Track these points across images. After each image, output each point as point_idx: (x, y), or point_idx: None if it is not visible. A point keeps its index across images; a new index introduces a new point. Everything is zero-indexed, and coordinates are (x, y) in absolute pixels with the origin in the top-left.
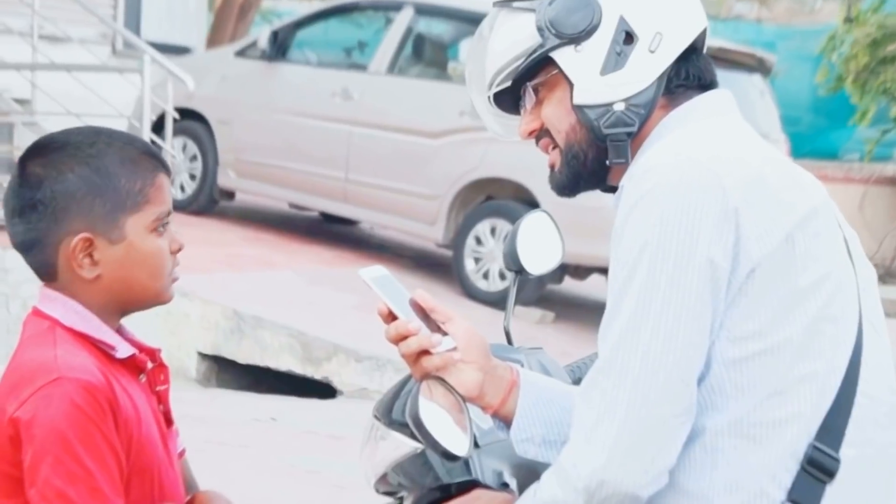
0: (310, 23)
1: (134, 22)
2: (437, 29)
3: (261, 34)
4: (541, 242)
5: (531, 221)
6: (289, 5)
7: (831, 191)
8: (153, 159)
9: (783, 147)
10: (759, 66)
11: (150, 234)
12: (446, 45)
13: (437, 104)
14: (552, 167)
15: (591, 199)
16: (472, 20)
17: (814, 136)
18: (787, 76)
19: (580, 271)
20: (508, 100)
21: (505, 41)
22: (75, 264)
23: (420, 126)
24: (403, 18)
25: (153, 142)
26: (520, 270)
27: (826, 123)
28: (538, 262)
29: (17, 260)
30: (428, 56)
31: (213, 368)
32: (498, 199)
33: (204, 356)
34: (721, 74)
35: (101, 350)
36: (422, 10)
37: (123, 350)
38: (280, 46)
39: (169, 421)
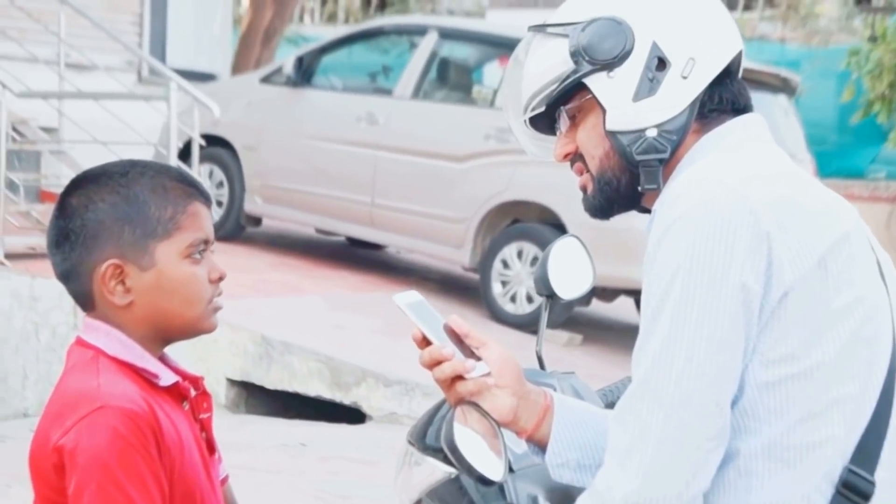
0: (335, 48)
1: (159, 49)
2: (462, 53)
3: (286, 60)
4: (572, 267)
5: (562, 246)
6: (313, 30)
7: (858, 209)
8: (188, 187)
9: (809, 167)
10: (783, 87)
11: (182, 260)
12: (471, 68)
13: (463, 128)
14: (584, 190)
15: (619, 220)
16: (496, 44)
17: (839, 155)
18: (811, 96)
19: (608, 293)
20: (544, 122)
21: (539, 66)
22: (106, 291)
23: (446, 150)
24: (428, 43)
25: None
26: (551, 295)
27: (852, 142)
28: (569, 286)
29: (46, 288)
30: (453, 80)
31: (242, 394)
32: (524, 222)
33: (233, 382)
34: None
35: (145, 378)
36: (446, 35)
37: (167, 378)
38: (305, 72)
39: (211, 448)
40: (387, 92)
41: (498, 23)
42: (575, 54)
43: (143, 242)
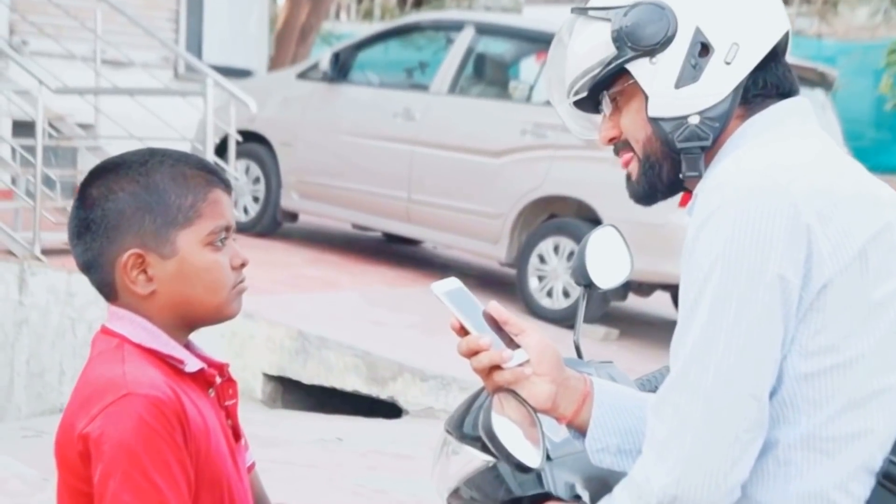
0: (371, 44)
1: (196, 45)
2: (498, 48)
3: (322, 56)
4: (609, 257)
5: (599, 236)
6: (349, 27)
7: None
8: (208, 174)
9: None
10: (820, 81)
11: (203, 248)
12: (507, 64)
13: (499, 123)
14: (629, 177)
15: (655, 215)
16: (532, 39)
17: (877, 151)
18: (848, 91)
19: (644, 288)
20: (588, 103)
21: (581, 50)
22: (129, 280)
23: (482, 145)
24: (464, 38)
25: (216, 164)
26: (589, 284)
27: (889, 137)
28: (607, 276)
29: (82, 284)
30: (489, 75)
31: (279, 389)
32: (561, 216)
33: (269, 377)
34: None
35: (170, 365)
36: (482, 30)
37: (192, 364)
38: (341, 68)
39: (237, 435)
40: (423, 87)
41: (534, 18)
42: (617, 39)
43: (164, 231)
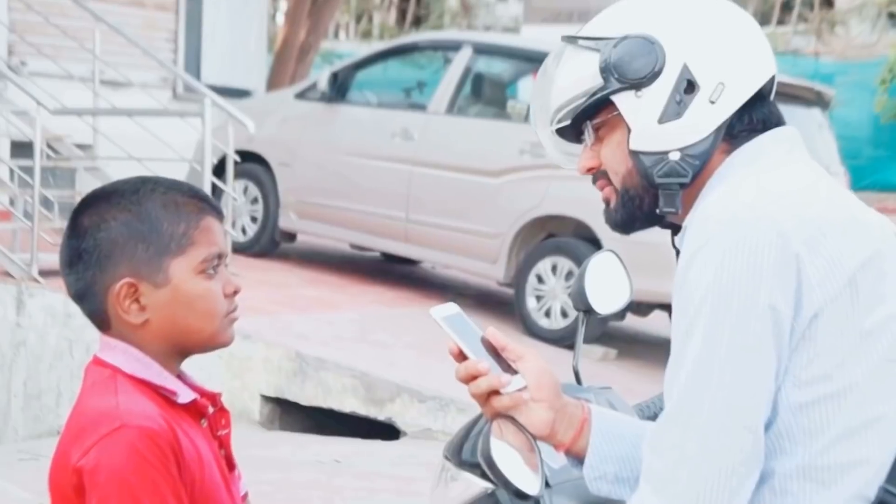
0: (369, 64)
1: (194, 66)
2: (496, 68)
3: (320, 76)
4: (609, 282)
5: (599, 261)
6: (348, 46)
7: (892, 222)
8: (200, 202)
9: (843, 180)
10: (817, 100)
11: (196, 276)
12: (505, 84)
13: (497, 143)
14: (607, 203)
15: (653, 235)
16: (530, 59)
17: (874, 169)
18: (845, 109)
19: (642, 308)
20: (571, 132)
21: (568, 78)
22: (121, 310)
23: (480, 165)
24: (462, 58)
25: (214, 185)
26: (588, 310)
27: (886, 155)
28: (606, 301)
29: None
30: (487, 95)
31: (277, 411)
32: (559, 236)
33: (267, 399)
34: (779, 108)
35: (163, 396)
36: (480, 50)
37: (185, 395)
38: (340, 88)
39: (231, 465)
40: (421, 107)
41: (532, 38)
42: (605, 70)
43: (156, 259)
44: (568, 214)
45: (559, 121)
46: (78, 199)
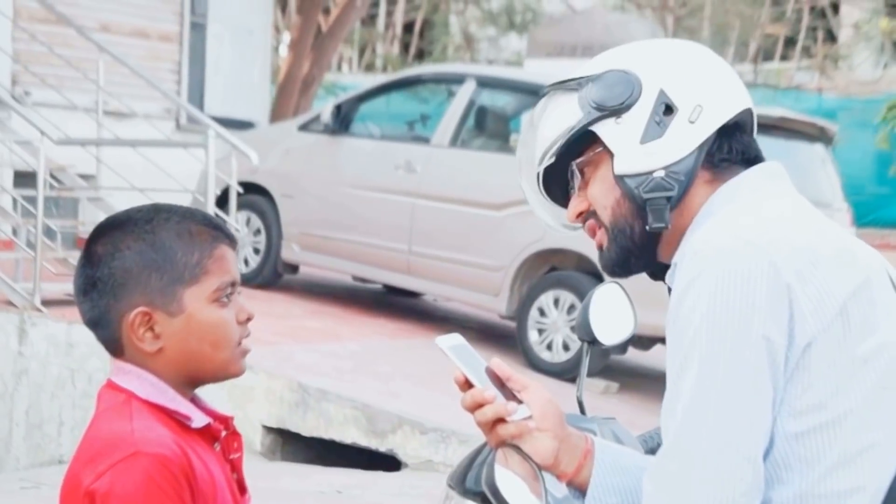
0: (372, 96)
1: (197, 97)
2: (500, 101)
3: (324, 108)
4: (613, 313)
5: (603, 292)
6: (352, 79)
7: (895, 259)
8: (213, 230)
9: (846, 216)
10: (820, 136)
11: (210, 304)
12: (509, 117)
13: (500, 176)
14: (600, 248)
15: None
16: (534, 92)
17: (877, 206)
18: (849, 146)
19: (644, 342)
20: (557, 189)
21: (550, 121)
22: (136, 338)
23: (483, 198)
24: (466, 91)
25: (216, 215)
26: (592, 341)
27: (889, 192)
28: (610, 332)
29: (82, 334)
30: (490, 128)
31: (278, 441)
32: (561, 269)
33: (269, 429)
34: (783, 144)
35: (177, 421)
36: (484, 83)
37: (199, 420)
38: (343, 120)
39: (242, 488)
40: (424, 140)
41: (536, 71)
42: (584, 104)
43: (170, 289)
44: (570, 248)
45: (544, 161)
46: (81, 228)
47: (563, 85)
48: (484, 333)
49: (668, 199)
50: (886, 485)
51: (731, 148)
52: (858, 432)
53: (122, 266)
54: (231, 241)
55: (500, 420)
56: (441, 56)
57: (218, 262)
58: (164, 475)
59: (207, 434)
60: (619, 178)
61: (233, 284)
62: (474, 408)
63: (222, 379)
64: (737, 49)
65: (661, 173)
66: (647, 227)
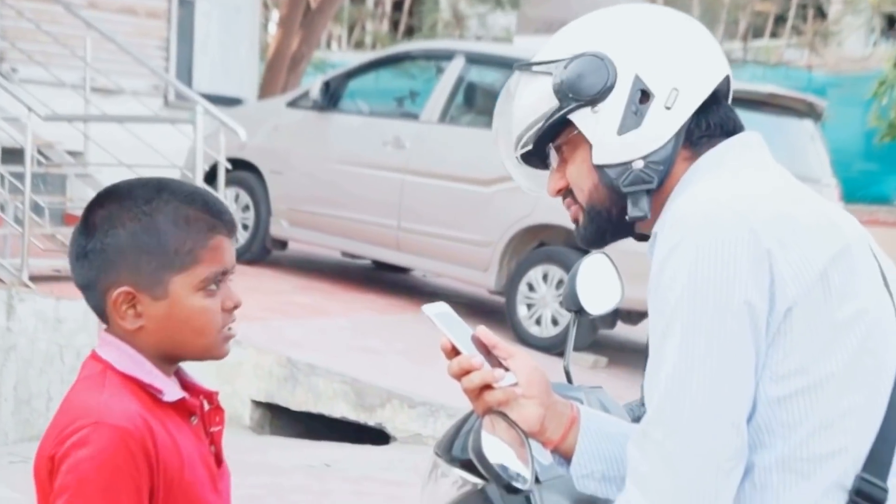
0: (361, 73)
1: (186, 73)
2: (488, 77)
3: (312, 84)
4: (600, 283)
5: (591, 263)
6: (340, 56)
7: (883, 235)
8: (212, 218)
9: (835, 192)
10: (809, 112)
11: (196, 293)
12: (497, 93)
13: (489, 152)
14: (576, 222)
15: (642, 245)
16: None
17: (866, 182)
18: (838, 122)
19: (632, 316)
20: (536, 157)
21: (525, 104)
22: (117, 315)
23: (472, 174)
24: (455, 68)
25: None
26: (579, 310)
27: (878, 168)
28: (597, 302)
29: (71, 311)
30: (479, 104)
31: (267, 416)
32: (550, 245)
33: (258, 404)
34: (772, 120)
35: (149, 394)
36: (473, 59)
37: (171, 394)
38: (332, 96)
39: (219, 461)
40: (413, 116)
41: (525, 48)
42: (559, 91)
43: (158, 274)
44: (559, 223)
45: (523, 146)
46: (69, 205)
47: (536, 68)
48: (473, 308)
49: (648, 191)
50: (868, 447)
51: (710, 124)
52: (839, 396)
53: (113, 244)
54: (229, 229)
55: (487, 387)
56: (430, 33)
57: (211, 252)
58: (120, 448)
59: (182, 408)
60: (598, 168)
61: (224, 273)
62: (461, 374)
63: (204, 360)
64: (727, 26)
65: (640, 164)
66: (627, 218)
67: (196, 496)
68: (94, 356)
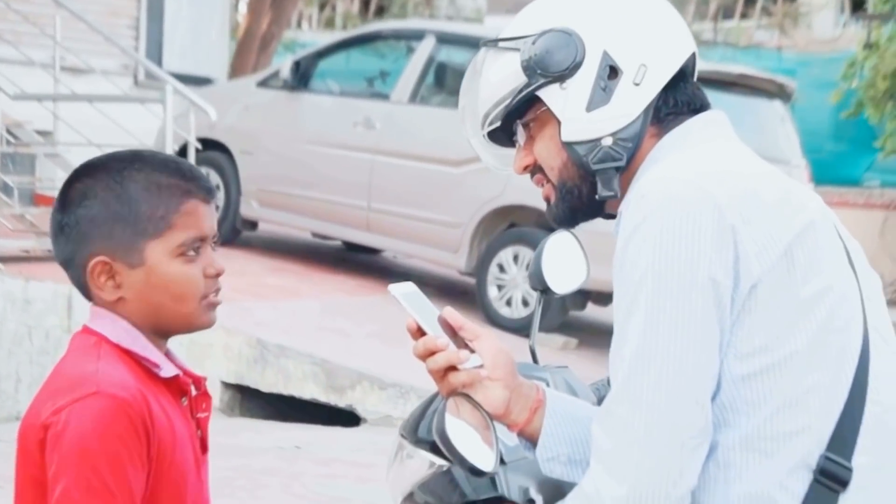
0: (332, 52)
1: (156, 53)
2: (459, 57)
3: (283, 64)
4: (566, 262)
5: (556, 241)
6: (311, 36)
7: (852, 217)
8: (186, 183)
9: (804, 173)
10: (779, 93)
11: (174, 259)
12: None
13: (460, 132)
14: (548, 200)
15: (611, 225)
16: None
17: (835, 163)
18: (808, 103)
19: (603, 297)
20: (502, 134)
21: (493, 81)
22: (96, 286)
23: (442, 154)
24: (425, 48)
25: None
26: (545, 290)
27: (847, 150)
28: (563, 281)
29: (40, 291)
30: (450, 84)
31: (237, 397)
32: (521, 225)
33: (228, 385)
34: (742, 100)
35: (145, 369)
36: (443, 39)
37: (167, 370)
38: (302, 76)
39: (204, 447)
40: (384, 96)
41: (496, 28)
42: (527, 68)
43: (132, 241)
44: (529, 204)
45: (490, 123)
46: (38, 185)
47: (503, 44)
48: (443, 290)
49: (618, 168)
50: (832, 426)
51: (677, 101)
52: (803, 374)
53: (87, 215)
54: (205, 194)
55: (452, 368)
56: (400, 12)
57: (185, 216)
58: (120, 418)
59: (175, 387)
60: (567, 145)
61: (202, 239)
62: (426, 355)
63: (189, 331)
64: (697, 7)
65: (609, 140)
66: (597, 197)
67: (183, 478)
68: (86, 329)
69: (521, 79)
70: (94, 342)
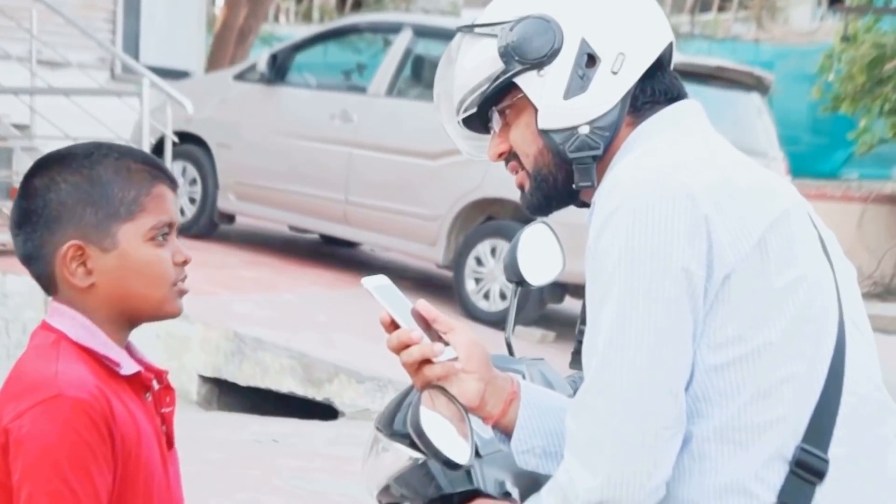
0: (309, 46)
1: (132, 46)
2: (436, 50)
3: (260, 57)
4: (541, 254)
5: (532, 233)
6: (288, 29)
7: (830, 209)
8: (153, 169)
9: (781, 165)
10: (756, 85)
11: (145, 242)
12: None
13: (437, 125)
14: (522, 188)
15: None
16: None
17: (813, 156)
18: (785, 96)
19: (580, 290)
20: (477, 121)
21: (469, 66)
22: (67, 272)
23: (420, 147)
24: (402, 40)
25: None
26: (520, 282)
27: (825, 143)
28: (539, 273)
29: (17, 284)
30: (427, 77)
31: (214, 391)
32: (498, 219)
33: (205, 379)
34: (719, 93)
35: (105, 366)
36: (420, 32)
37: (128, 367)
38: (279, 69)
39: (170, 443)
40: (361, 89)
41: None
42: (504, 54)
43: (105, 224)
44: (507, 197)
45: (465, 109)
46: (15, 178)
47: (480, 29)
48: (421, 283)
49: (595, 157)
50: (807, 416)
51: (654, 90)
52: (777, 364)
53: (57, 199)
54: (171, 181)
55: (426, 361)
56: (377, 5)
57: (155, 200)
58: (83, 420)
59: (137, 383)
60: (543, 132)
61: (170, 225)
62: (400, 348)
63: (158, 318)
64: (674, 0)
65: (586, 129)
66: (574, 186)
67: (150, 474)
68: (45, 326)
69: (498, 65)
70: (53, 340)
